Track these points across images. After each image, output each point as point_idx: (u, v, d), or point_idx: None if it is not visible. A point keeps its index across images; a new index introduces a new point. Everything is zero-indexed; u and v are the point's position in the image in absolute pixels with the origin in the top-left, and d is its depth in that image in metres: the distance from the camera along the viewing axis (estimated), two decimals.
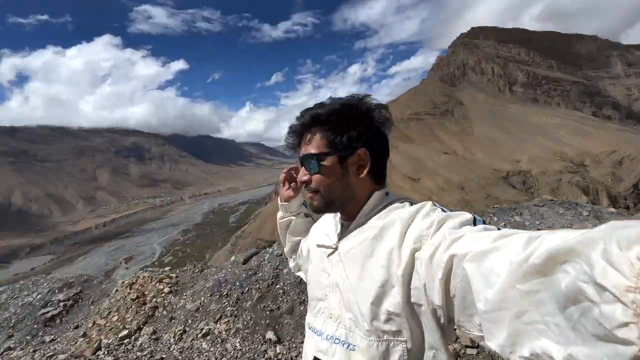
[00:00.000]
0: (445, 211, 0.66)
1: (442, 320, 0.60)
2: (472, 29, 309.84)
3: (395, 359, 0.65)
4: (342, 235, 0.79)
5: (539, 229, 3.35)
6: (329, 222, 0.88)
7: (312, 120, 0.77)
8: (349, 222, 0.78)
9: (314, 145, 0.76)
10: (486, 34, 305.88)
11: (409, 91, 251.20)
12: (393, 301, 0.65)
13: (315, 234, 0.93)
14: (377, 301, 0.66)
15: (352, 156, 0.76)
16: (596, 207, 3.66)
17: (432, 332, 0.63)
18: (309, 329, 0.82)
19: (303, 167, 0.78)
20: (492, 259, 0.45)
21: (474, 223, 0.60)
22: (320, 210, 0.80)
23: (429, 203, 0.70)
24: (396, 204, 0.74)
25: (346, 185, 0.76)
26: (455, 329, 0.66)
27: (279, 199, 1.11)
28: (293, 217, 1.08)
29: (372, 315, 0.67)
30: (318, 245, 0.86)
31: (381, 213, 0.73)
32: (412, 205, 0.72)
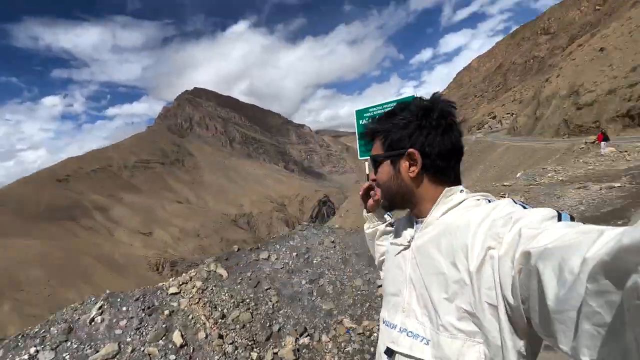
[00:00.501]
0: (525, 207, 0.63)
1: (521, 325, 0.56)
2: (195, 88, 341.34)
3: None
4: (415, 232, 0.79)
5: (307, 248, 4.42)
6: (405, 221, 0.88)
7: (374, 126, 0.85)
8: (422, 219, 0.78)
9: (374, 148, 0.85)
10: (208, 96, 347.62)
11: (133, 137, 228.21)
12: (466, 300, 0.63)
13: (392, 233, 0.97)
14: (450, 298, 0.65)
15: (403, 156, 0.77)
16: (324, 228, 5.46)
17: (510, 337, 0.58)
18: (383, 322, 0.83)
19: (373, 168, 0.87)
20: (565, 256, 0.42)
21: (559, 219, 0.56)
22: (386, 207, 0.87)
23: (508, 199, 0.67)
24: (472, 202, 0.72)
25: (400, 184, 0.79)
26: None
27: (364, 212, 1.12)
28: (379, 227, 1.09)
29: (444, 311, 0.66)
30: (392, 243, 0.88)
31: (455, 210, 0.72)
32: (489, 202, 0.70)
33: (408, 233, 0.81)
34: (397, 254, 0.82)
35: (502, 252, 0.56)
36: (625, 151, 16.75)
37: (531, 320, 0.51)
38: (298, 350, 2.89)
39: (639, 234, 0.33)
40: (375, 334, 2.98)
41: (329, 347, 2.90)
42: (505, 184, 13.46)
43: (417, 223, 0.80)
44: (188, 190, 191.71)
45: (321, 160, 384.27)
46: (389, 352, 0.77)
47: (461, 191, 0.75)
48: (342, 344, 2.90)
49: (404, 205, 0.82)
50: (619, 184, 8.32)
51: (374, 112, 4.95)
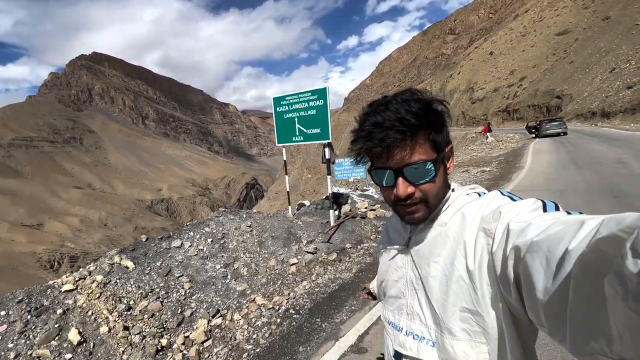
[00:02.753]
0: (514, 199, 0.63)
1: (521, 319, 0.57)
2: (95, 53, 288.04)
3: None
4: (411, 233, 0.76)
5: (224, 233, 4.48)
6: (396, 222, 0.83)
7: (412, 126, 0.63)
8: None
9: (419, 151, 0.65)
10: (112, 63, 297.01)
11: (7, 107, 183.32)
12: (467, 298, 0.62)
13: (386, 234, 0.90)
14: (451, 298, 0.64)
15: (446, 151, 0.70)
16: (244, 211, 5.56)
17: (513, 332, 0.59)
18: (389, 324, 0.81)
19: (401, 180, 0.65)
20: (551, 248, 0.42)
21: (544, 209, 0.55)
22: (420, 223, 0.71)
23: (496, 191, 0.67)
24: (463, 198, 0.70)
25: (445, 186, 0.71)
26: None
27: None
28: None
29: (447, 313, 0.65)
30: (389, 246, 0.83)
31: (449, 208, 0.70)
32: (479, 196, 0.69)
33: (404, 235, 0.79)
34: (395, 256, 0.80)
35: (495, 247, 0.56)
36: (501, 140, 20.64)
37: (530, 315, 0.51)
38: (210, 331, 3.03)
39: (615, 225, 0.33)
40: (284, 307, 3.31)
41: (240, 323, 3.12)
42: None
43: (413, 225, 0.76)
44: (89, 173, 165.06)
45: (248, 141, 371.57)
46: (398, 356, 0.76)
47: (453, 190, 0.72)
48: (253, 319, 3.15)
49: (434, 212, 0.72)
50: (489, 168, 10.37)
51: (290, 101, 5.14)
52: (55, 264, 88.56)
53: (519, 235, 0.50)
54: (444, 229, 0.68)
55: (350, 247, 4.52)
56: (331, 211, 5.13)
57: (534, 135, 21.21)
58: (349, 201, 6.36)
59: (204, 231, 4.35)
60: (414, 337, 0.72)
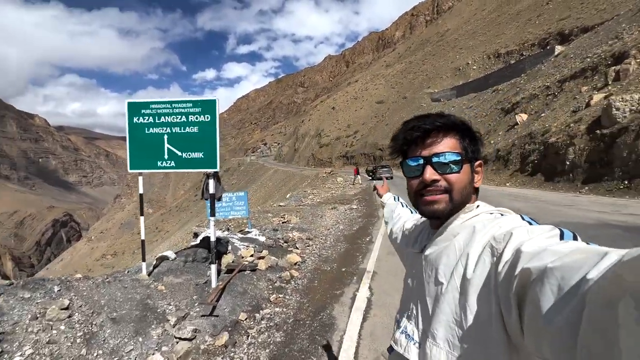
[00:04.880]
0: (532, 224, 0.63)
1: (514, 340, 0.57)
2: None
3: None
4: (428, 241, 0.81)
5: (2, 333, 2.32)
6: (422, 228, 0.91)
7: (449, 125, 0.77)
8: (437, 229, 0.79)
9: (448, 146, 0.75)
10: None
11: None
12: (456, 310, 0.65)
13: (410, 232, 0.99)
14: (442, 306, 0.68)
15: (475, 164, 0.79)
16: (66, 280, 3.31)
17: (499, 352, 0.59)
18: (395, 322, 0.89)
19: (429, 166, 0.75)
20: (565, 276, 0.42)
21: (561, 237, 0.55)
22: (441, 215, 0.76)
23: (516, 215, 0.69)
24: (485, 216, 0.73)
25: (470, 191, 0.77)
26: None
27: (379, 198, 1.48)
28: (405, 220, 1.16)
29: (435, 319, 0.69)
30: (408, 249, 0.94)
31: (466, 223, 0.74)
32: (502, 216, 0.71)
33: (423, 239, 0.86)
34: (412, 259, 0.88)
35: (500, 268, 0.57)
36: (348, 181, 23.62)
37: (527, 341, 0.51)
38: None
39: (637, 253, 0.33)
40: None
41: None
42: (280, 204, 14.97)
43: (431, 233, 0.82)
44: None
45: (64, 166, 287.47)
46: (390, 349, 0.85)
47: (477, 206, 0.77)
48: None
49: (452, 214, 0.78)
50: (355, 206, 11.19)
51: (158, 110, 3.65)
52: None
53: (532, 259, 0.50)
54: (453, 242, 0.72)
55: (247, 319, 3.22)
56: (213, 266, 3.72)
57: (370, 177, 25.50)
58: (229, 248, 5.02)
59: None
60: (406, 336, 0.78)
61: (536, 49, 31.37)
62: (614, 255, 0.38)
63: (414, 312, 0.78)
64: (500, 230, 0.63)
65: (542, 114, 16.38)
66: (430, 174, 0.74)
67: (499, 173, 16.09)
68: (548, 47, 27.14)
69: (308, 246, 5.99)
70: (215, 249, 4.38)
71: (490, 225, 0.67)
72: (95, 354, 2.50)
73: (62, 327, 2.55)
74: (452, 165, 0.74)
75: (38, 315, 2.53)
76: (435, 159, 0.74)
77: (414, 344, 0.75)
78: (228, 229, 8.13)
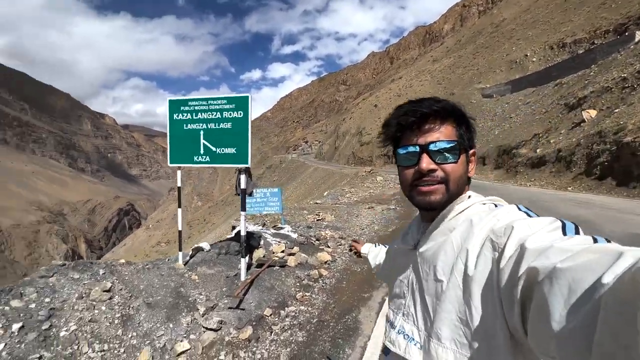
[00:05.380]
0: (530, 215, 0.61)
1: (517, 339, 0.55)
2: None
3: None
4: (421, 236, 0.78)
5: (53, 309, 2.58)
6: (414, 223, 0.86)
7: (447, 111, 0.73)
8: (430, 222, 0.76)
9: (445, 134, 0.71)
10: None
11: None
12: (460, 308, 0.62)
13: (402, 233, 0.93)
14: (444, 305, 0.65)
15: (469, 153, 0.76)
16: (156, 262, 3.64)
17: (502, 351, 0.56)
18: (387, 321, 0.84)
19: (425, 155, 0.71)
20: (577, 277, 0.40)
21: (564, 230, 0.53)
22: (437, 206, 0.72)
23: (513, 206, 0.66)
24: (478, 206, 0.71)
25: (464, 182, 0.75)
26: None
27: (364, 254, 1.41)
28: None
29: (438, 318, 0.66)
30: (398, 246, 0.88)
31: (460, 215, 0.71)
32: (496, 207, 0.69)
33: (415, 236, 0.81)
34: (403, 256, 0.84)
35: (503, 264, 0.55)
36: (388, 180, 22.98)
37: (530, 340, 0.49)
38: None
39: None
40: None
41: None
42: (317, 202, 15.06)
43: (423, 227, 0.79)
44: None
45: (128, 160, 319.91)
46: (387, 351, 0.80)
47: (469, 197, 0.75)
48: None
49: (447, 205, 0.74)
50: (393, 206, 10.83)
51: (195, 107, 3.79)
52: None
53: (538, 256, 0.48)
54: (450, 236, 0.69)
55: (271, 315, 3.24)
56: (243, 259, 3.80)
57: None
58: (261, 242, 5.11)
59: (7, 309, 2.38)
60: (404, 337, 0.75)
61: (611, 37, 27.56)
62: (630, 257, 0.37)
63: (411, 310, 0.75)
64: (500, 224, 0.61)
65: (616, 110, 14.33)
66: (427, 163, 0.70)
67: (559, 176, 14.42)
68: (627, 34, 23.62)
69: (340, 245, 5.88)
70: (247, 243, 4.48)
71: (487, 218, 0.65)
72: (129, 336, 2.67)
73: (103, 308, 2.76)
74: (449, 155, 0.70)
75: (83, 295, 2.77)
76: (432, 147, 0.70)
77: (415, 344, 0.71)
78: (264, 224, 8.32)
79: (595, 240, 0.47)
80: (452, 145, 0.70)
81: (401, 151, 0.74)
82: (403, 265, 0.82)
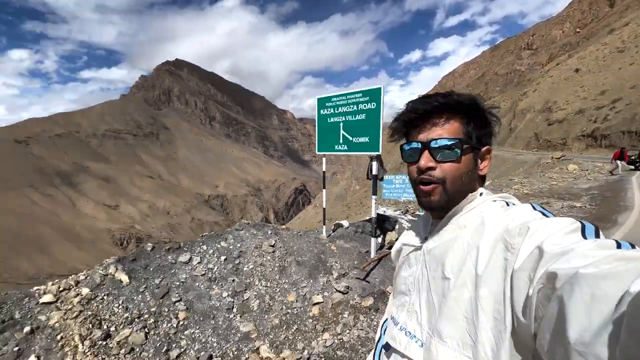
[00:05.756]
0: (547, 215, 0.58)
1: (526, 344, 0.52)
2: (177, 60, 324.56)
3: None
4: (429, 233, 0.77)
5: (241, 251, 3.81)
6: (422, 220, 0.85)
7: (451, 106, 0.70)
8: (439, 219, 0.75)
9: (449, 131, 0.70)
10: (190, 69, 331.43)
11: (105, 104, 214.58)
12: (466, 308, 0.60)
13: (406, 232, 0.91)
14: (449, 304, 0.63)
15: (482, 151, 0.73)
16: (276, 226, 4.84)
17: (507, 355, 0.54)
18: (390, 318, 0.83)
19: (427, 152, 0.70)
20: (600, 285, 0.38)
21: (583, 232, 0.50)
22: (437, 207, 0.72)
23: (528, 204, 0.63)
24: (489, 204, 0.69)
25: (471, 179, 0.72)
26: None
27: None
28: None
29: (442, 317, 0.64)
30: (405, 243, 0.86)
31: (470, 213, 0.69)
32: (508, 205, 0.67)
33: (422, 233, 0.81)
34: (410, 253, 0.82)
35: (518, 265, 0.52)
36: (586, 170, 17.37)
37: (538, 344, 0.47)
38: None
39: None
40: None
41: None
42: None
43: (432, 224, 0.78)
44: (161, 165, 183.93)
45: (302, 148, 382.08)
46: (387, 347, 0.79)
47: (480, 194, 0.72)
48: None
49: (453, 205, 0.72)
50: (580, 204, 8.35)
51: (337, 102, 4.36)
52: (125, 242, 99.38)
53: (557, 260, 0.46)
54: (460, 234, 0.67)
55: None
56: (373, 239, 4.18)
57: (632, 167, 17.47)
58: (396, 227, 5.31)
59: (218, 246, 3.73)
60: (406, 334, 0.74)
61: None
62: None
63: (415, 308, 0.73)
64: (514, 223, 0.58)
65: None
66: (425, 160, 0.70)
67: None
68: None
69: None
70: (381, 226, 4.81)
71: (500, 217, 0.62)
72: (283, 281, 3.58)
73: (268, 257, 3.81)
74: (450, 152, 0.68)
75: (257, 246, 3.91)
76: (433, 144, 0.69)
77: (417, 342, 0.70)
78: (407, 211, 8.39)
79: (618, 245, 0.44)
80: (453, 142, 0.68)
81: (405, 147, 0.75)
82: (409, 263, 0.81)
